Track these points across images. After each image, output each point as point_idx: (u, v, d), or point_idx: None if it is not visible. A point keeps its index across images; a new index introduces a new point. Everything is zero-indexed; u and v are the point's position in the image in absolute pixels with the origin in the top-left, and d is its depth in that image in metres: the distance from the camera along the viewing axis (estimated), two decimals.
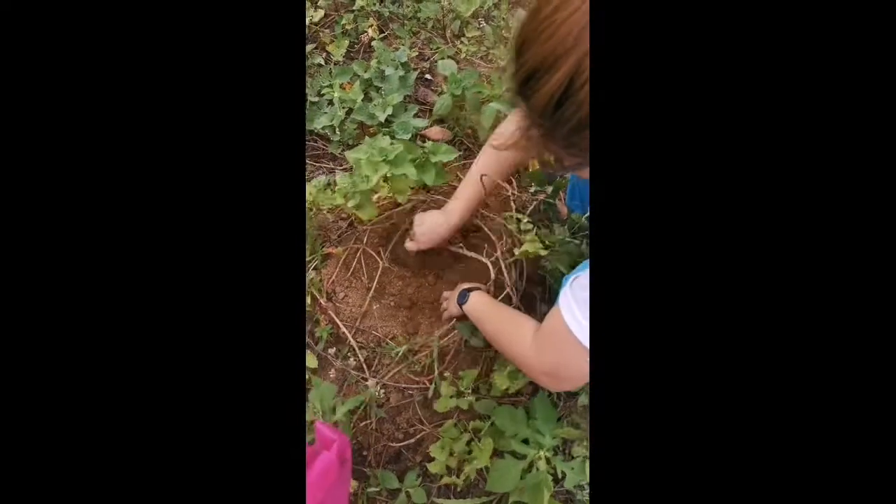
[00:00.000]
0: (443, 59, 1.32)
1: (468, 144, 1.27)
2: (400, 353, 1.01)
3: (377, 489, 0.92)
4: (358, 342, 1.04)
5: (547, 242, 0.95)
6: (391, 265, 1.10)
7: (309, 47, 1.41)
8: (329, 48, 1.40)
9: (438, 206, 1.10)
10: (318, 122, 1.27)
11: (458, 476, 0.90)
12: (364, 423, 0.97)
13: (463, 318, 0.97)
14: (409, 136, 1.22)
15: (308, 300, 1.06)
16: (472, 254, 1.07)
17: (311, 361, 1.01)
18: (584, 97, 0.44)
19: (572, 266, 0.92)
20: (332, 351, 1.05)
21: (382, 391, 0.99)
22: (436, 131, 1.27)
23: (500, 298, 1.01)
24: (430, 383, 0.99)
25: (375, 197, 1.11)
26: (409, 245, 1.04)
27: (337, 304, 1.07)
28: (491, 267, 1.02)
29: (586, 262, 0.79)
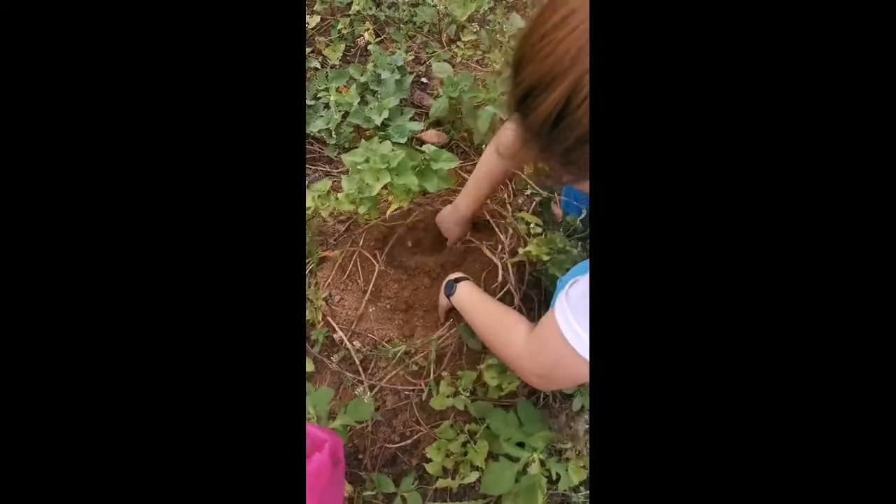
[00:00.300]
0: (438, 61, 1.33)
1: (464, 148, 1.27)
2: (396, 356, 1.01)
3: (373, 493, 0.92)
4: (354, 345, 1.04)
5: (548, 249, 0.96)
6: (387, 268, 1.10)
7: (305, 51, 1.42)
8: (325, 52, 1.40)
9: (437, 210, 1.12)
10: (315, 126, 1.27)
11: (454, 477, 0.90)
12: (360, 426, 0.97)
13: (452, 309, 0.97)
14: (406, 139, 1.22)
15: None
16: (477, 244, 1.08)
17: (307, 365, 1.01)
18: (581, 116, 0.44)
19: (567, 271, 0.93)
20: (328, 355, 1.04)
21: (373, 401, 0.99)
22: (432, 135, 1.27)
23: (499, 297, 1.01)
24: (426, 386, 0.99)
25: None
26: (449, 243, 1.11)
27: (333, 307, 1.07)
28: (498, 263, 1.04)
29: (580, 265, 0.80)
